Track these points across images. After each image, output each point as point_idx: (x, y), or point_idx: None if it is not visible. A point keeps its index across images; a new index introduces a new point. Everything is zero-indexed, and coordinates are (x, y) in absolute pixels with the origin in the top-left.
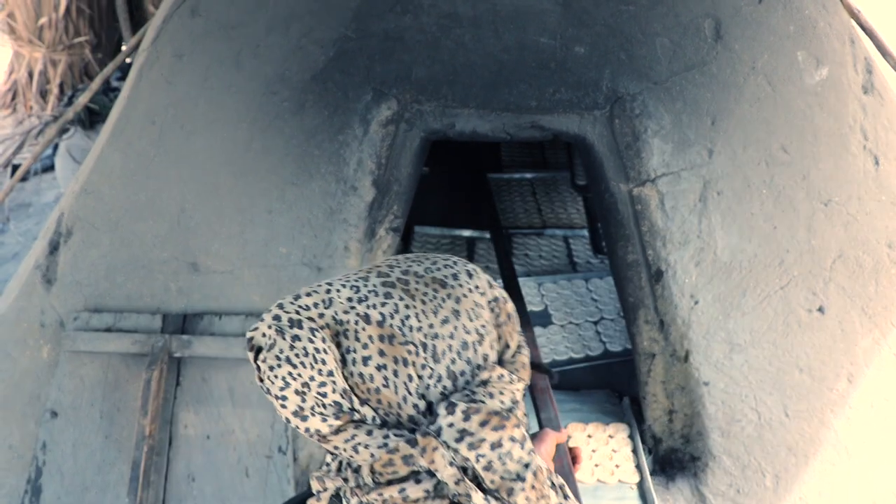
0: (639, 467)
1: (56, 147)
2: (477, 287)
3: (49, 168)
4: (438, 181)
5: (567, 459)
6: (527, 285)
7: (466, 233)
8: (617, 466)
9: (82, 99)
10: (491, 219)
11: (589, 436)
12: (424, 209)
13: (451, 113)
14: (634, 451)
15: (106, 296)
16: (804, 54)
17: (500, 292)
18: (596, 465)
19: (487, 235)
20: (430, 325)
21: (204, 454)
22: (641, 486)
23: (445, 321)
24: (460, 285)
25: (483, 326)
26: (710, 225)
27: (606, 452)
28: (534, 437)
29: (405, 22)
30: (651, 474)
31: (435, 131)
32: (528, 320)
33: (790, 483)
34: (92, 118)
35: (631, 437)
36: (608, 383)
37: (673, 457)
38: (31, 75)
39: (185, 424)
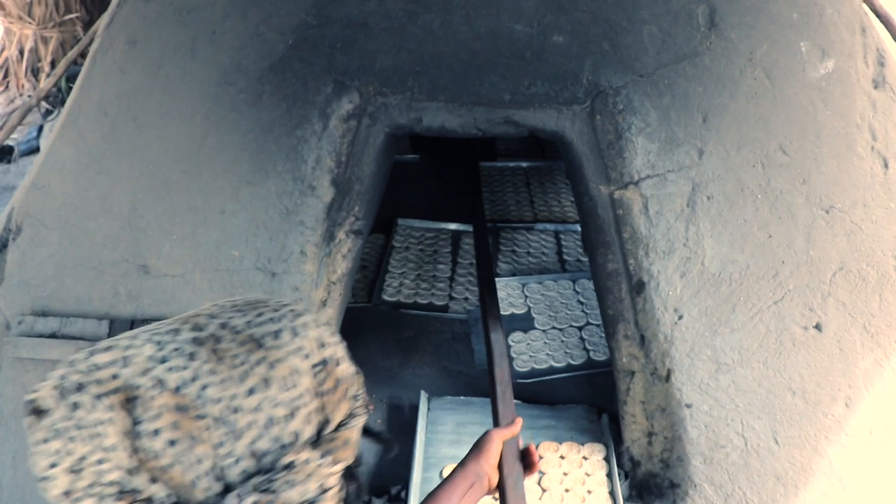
0: (612, 495)
1: (41, 129)
2: (300, 349)
3: (35, 150)
4: (428, 170)
5: (515, 458)
6: (510, 286)
7: (452, 226)
8: (589, 492)
9: (46, 84)
10: (474, 213)
11: (562, 456)
12: (411, 200)
13: (418, 107)
14: (609, 475)
15: (53, 298)
16: (808, 45)
17: (331, 352)
18: (566, 491)
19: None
20: (233, 396)
21: None
22: None
23: (252, 392)
24: (279, 346)
25: (299, 398)
26: (699, 232)
27: (579, 476)
28: (477, 442)
29: (369, 7)
30: (627, 500)
31: (400, 126)
32: (501, 325)
33: None
34: None
35: (607, 459)
36: (589, 396)
37: (651, 482)
38: (21, 53)
39: None
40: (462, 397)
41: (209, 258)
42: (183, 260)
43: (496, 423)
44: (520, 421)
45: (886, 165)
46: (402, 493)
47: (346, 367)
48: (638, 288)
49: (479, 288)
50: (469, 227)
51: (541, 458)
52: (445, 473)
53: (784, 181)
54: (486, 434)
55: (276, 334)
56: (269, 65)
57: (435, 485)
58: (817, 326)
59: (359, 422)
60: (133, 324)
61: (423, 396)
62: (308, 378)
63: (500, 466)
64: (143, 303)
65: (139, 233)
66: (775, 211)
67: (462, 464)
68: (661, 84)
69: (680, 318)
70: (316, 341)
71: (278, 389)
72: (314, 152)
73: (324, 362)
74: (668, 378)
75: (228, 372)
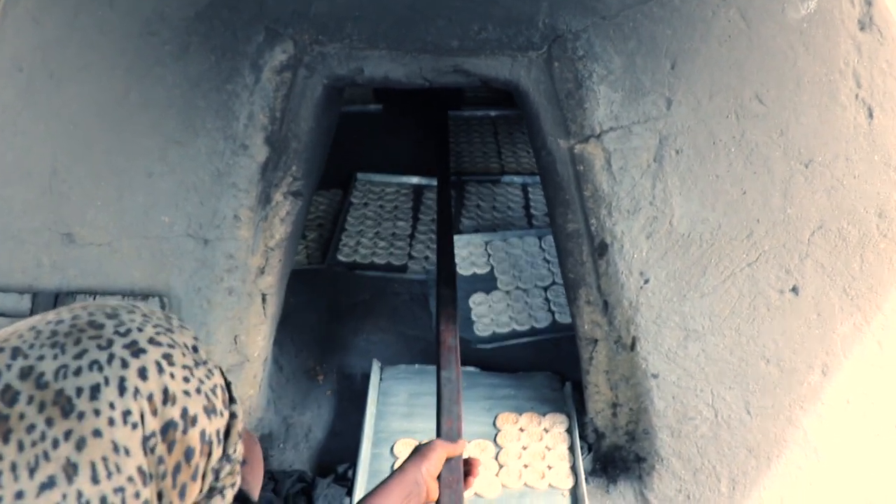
0: (574, 470)
1: None
2: (127, 414)
3: None
4: (392, 121)
5: (458, 476)
6: (473, 243)
7: (414, 180)
8: (549, 468)
9: None
10: (439, 163)
11: (521, 429)
12: (372, 153)
13: (359, 56)
14: (572, 448)
15: None
16: None
17: (180, 408)
18: (525, 466)
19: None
20: (19, 495)
21: None
22: (575, 492)
23: (46, 486)
24: (95, 412)
25: (120, 490)
26: (666, 189)
27: (539, 450)
28: (419, 448)
29: None
30: (590, 474)
31: (340, 78)
32: (454, 298)
33: (748, 488)
34: None
35: (569, 431)
36: (553, 362)
37: (616, 455)
38: None
39: None
40: (417, 366)
41: (136, 225)
42: (108, 227)
43: (438, 407)
44: (464, 443)
45: (871, 115)
46: (350, 472)
47: (207, 425)
48: (600, 250)
49: (437, 247)
50: (432, 182)
51: (498, 430)
52: (397, 450)
53: (760, 133)
54: (430, 442)
55: (94, 393)
56: (195, 13)
57: (385, 462)
58: (794, 290)
59: (226, 499)
60: (58, 297)
61: (376, 365)
62: (137, 457)
63: (439, 478)
64: (68, 274)
65: (61, 198)
66: (750, 165)
67: (402, 469)
68: (625, 27)
69: (646, 282)
70: (158, 394)
71: (87, 479)
72: (246, 108)
73: (164, 430)
74: (633, 346)
75: (16, 455)
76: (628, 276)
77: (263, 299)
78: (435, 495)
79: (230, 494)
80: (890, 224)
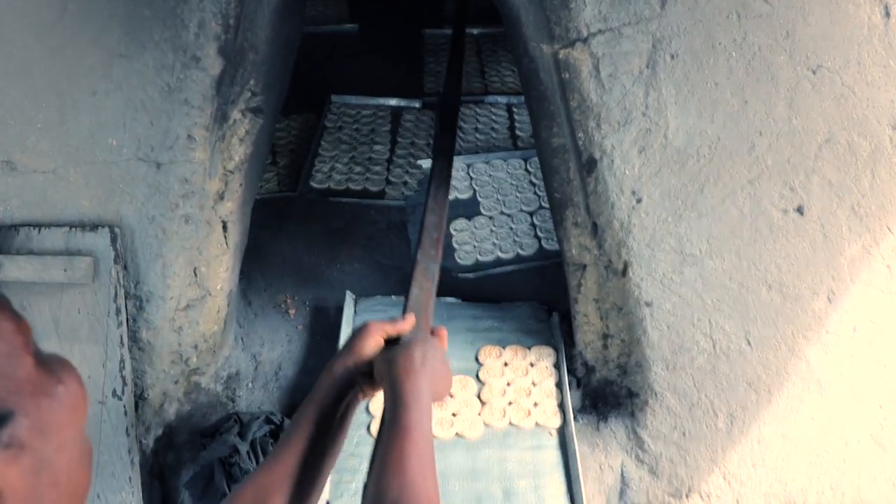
0: (562, 407)
1: None
2: None
3: None
4: (369, 40)
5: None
6: (454, 167)
7: (392, 101)
8: (535, 405)
9: None
10: (449, 85)
11: (505, 363)
12: (348, 75)
13: None
14: (559, 384)
15: None
16: None
17: None
18: (509, 404)
19: (416, 104)
20: None
21: None
22: (563, 431)
23: None
24: None
25: None
26: (660, 99)
27: (524, 386)
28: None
29: None
30: (580, 411)
31: None
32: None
33: (747, 423)
34: None
35: (556, 365)
36: (539, 291)
37: (607, 390)
38: None
39: None
40: (393, 297)
41: (83, 149)
42: (52, 153)
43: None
44: (412, 318)
45: (888, 14)
46: None
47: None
48: (588, 166)
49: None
50: (412, 103)
51: (480, 364)
52: None
53: (763, 35)
54: (361, 327)
55: None
56: None
57: None
58: (799, 209)
59: None
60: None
61: (349, 297)
62: None
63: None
64: (11, 205)
65: None
66: (752, 72)
67: (327, 369)
68: None
69: (638, 201)
70: None
71: None
72: (196, 15)
73: None
74: (624, 272)
75: None
76: (619, 195)
77: (224, 227)
78: (375, 388)
79: None
80: None
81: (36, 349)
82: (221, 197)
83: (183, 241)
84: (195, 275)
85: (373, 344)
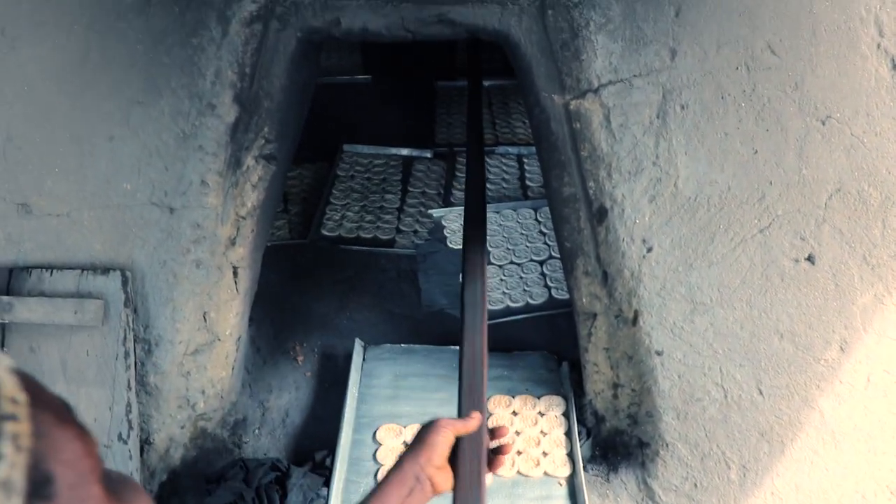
0: (571, 456)
1: None
2: None
3: None
4: (382, 91)
5: (479, 457)
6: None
7: (404, 151)
8: (544, 454)
9: None
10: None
11: (514, 412)
12: (361, 124)
13: (335, 5)
14: (568, 433)
15: None
16: None
17: None
18: (518, 453)
19: (427, 154)
20: None
21: None
22: (572, 481)
23: None
24: None
25: None
26: (671, 149)
27: (533, 435)
28: (421, 433)
29: None
30: (589, 461)
31: (315, 30)
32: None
33: (760, 475)
34: None
35: (566, 414)
36: (549, 341)
37: (617, 440)
38: None
39: None
40: (403, 345)
41: (98, 193)
42: (68, 196)
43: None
44: (478, 416)
45: (895, 66)
46: (328, 460)
47: None
48: (599, 215)
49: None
50: (423, 153)
51: (490, 414)
52: (379, 436)
53: (772, 86)
54: (431, 424)
55: None
56: None
57: (367, 448)
58: (810, 258)
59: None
60: (12, 272)
61: (358, 345)
62: None
63: (455, 466)
64: (24, 248)
65: (17, 166)
66: (762, 122)
67: (398, 464)
68: None
69: (649, 250)
70: None
71: None
72: (213, 64)
73: None
74: (635, 321)
75: None
76: (630, 244)
77: (235, 273)
78: (446, 486)
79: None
80: None
81: (103, 472)
82: (233, 243)
83: (193, 286)
84: (205, 320)
85: (445, 440)
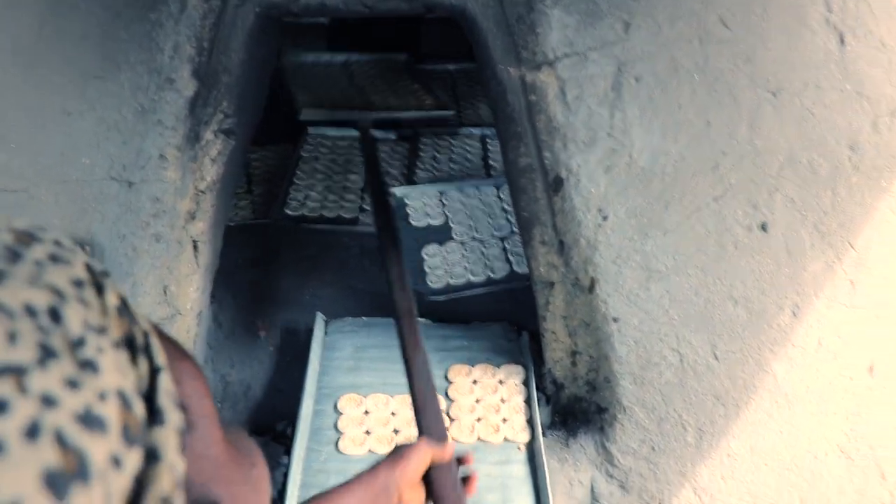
0: (531, 423)
1: None
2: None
3: None
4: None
5: (455, 481)
6: (427, 194)
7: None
8: (504, 421)
9: None
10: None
11: (474, 381)
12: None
13: None
14: (528, 401)
15: None
16: None
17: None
18: (478, 420)
19: (392, 136)
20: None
21: None
22: (531, 446)
23: None
24: None
25: None
26: (625, 120)
27: (493, 403)
28: (399, 448)
29: None
30: (549, 427)
31: (274, 5)
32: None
33: (716, 438)
34: None
35: (526, 383)
36: (510, 313)
37: (576, 406)
38: None
39: None
40: (364, 318)
41: (54, 168)
42: (24, 172)
43: (414, 402)
44: (452, 446)
45: (843, 41)
46: (289, 430)
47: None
48: (555, 185)
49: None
50: (388, 135)
51: (450, 382)
52: (341, 405)
53: (725, 59)
54: (412, 443)
55: None
56: None
57: (328, 418)
58: (762, 227)
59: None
60: None
61: (319, 318)
62: None
63: (433, 489)
64: None
65: None
66: (715, 94)
67: (372, 469)
68: None
69: (604, 219)
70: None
71: None
72: (171, 38)
73: None
74: (591, 289)
75: None
76: (585, 213)
77: (195, 247)
78: None
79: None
80: (862, 157)
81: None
82: (193, 217)
83: (153, 260)
84: (165, 293)
85: (423, 460)
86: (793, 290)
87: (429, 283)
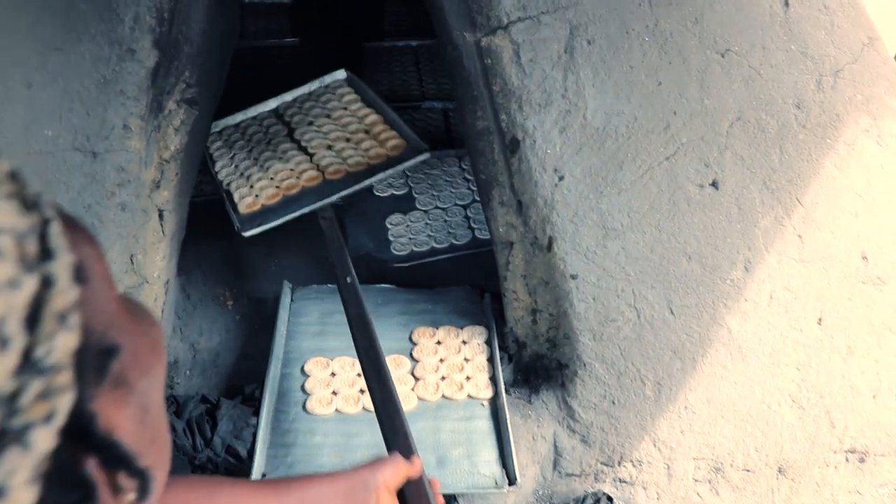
0: (494, 380)
1: None
2: None
3: None
4: (310, 53)
5: (428, 496)
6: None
7: None
8: (468, 379)
9: None
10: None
11: (438, 342)
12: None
13: None
14: (491, 359)
15: None
16: None
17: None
18: (442, 378)
19: None
20: None
21: None
22: (494, 402)
23: None
24: None
25: None
26: (579, 82)
27: (457, 362)
28: (378, 457)
29: None
30: (512, 385)
31: None
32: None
33: (674, 391)
34: None
35: (488, 342)
36: (472, 277)
37: (538, 364)
38: None
39: None
40: (329, 285)
41: (17, 140)
42: None
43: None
44: (421, 463)
45: (787, 4)
46: (257, 392)
47: None
48: (512, 147)
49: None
50: None
51: (414, 344)
52: (308, 368)
53: (674, 21)
54: (388, 455)
55: None
56: None
57: (296, 381)
58: (714, 184)
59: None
60: None
61: (286, 286)
62: None
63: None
64: None
65: None
66: (665, 55)
67: (354, 468)
68: None
69: (561, 179)
70: None
71: None
72: (131, 9)
73: None
74: (549, 247)
75: None
76: (542, 173)
77: (161, 216)
78: None
79: (44, 438)
80: (808, 115)
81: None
82: (157, 185)
83: (119, 229)
84: (132, 262)
85: (400, 471)
86: (744, 245)
87: (393, 250)
